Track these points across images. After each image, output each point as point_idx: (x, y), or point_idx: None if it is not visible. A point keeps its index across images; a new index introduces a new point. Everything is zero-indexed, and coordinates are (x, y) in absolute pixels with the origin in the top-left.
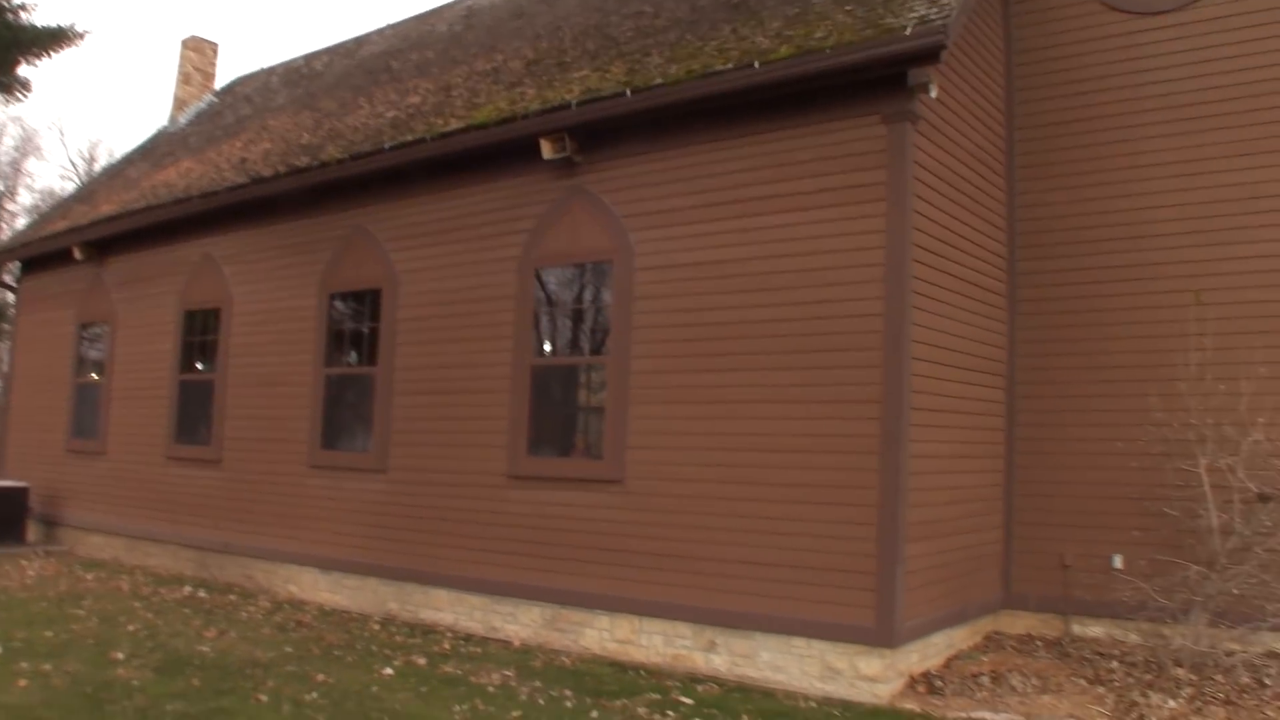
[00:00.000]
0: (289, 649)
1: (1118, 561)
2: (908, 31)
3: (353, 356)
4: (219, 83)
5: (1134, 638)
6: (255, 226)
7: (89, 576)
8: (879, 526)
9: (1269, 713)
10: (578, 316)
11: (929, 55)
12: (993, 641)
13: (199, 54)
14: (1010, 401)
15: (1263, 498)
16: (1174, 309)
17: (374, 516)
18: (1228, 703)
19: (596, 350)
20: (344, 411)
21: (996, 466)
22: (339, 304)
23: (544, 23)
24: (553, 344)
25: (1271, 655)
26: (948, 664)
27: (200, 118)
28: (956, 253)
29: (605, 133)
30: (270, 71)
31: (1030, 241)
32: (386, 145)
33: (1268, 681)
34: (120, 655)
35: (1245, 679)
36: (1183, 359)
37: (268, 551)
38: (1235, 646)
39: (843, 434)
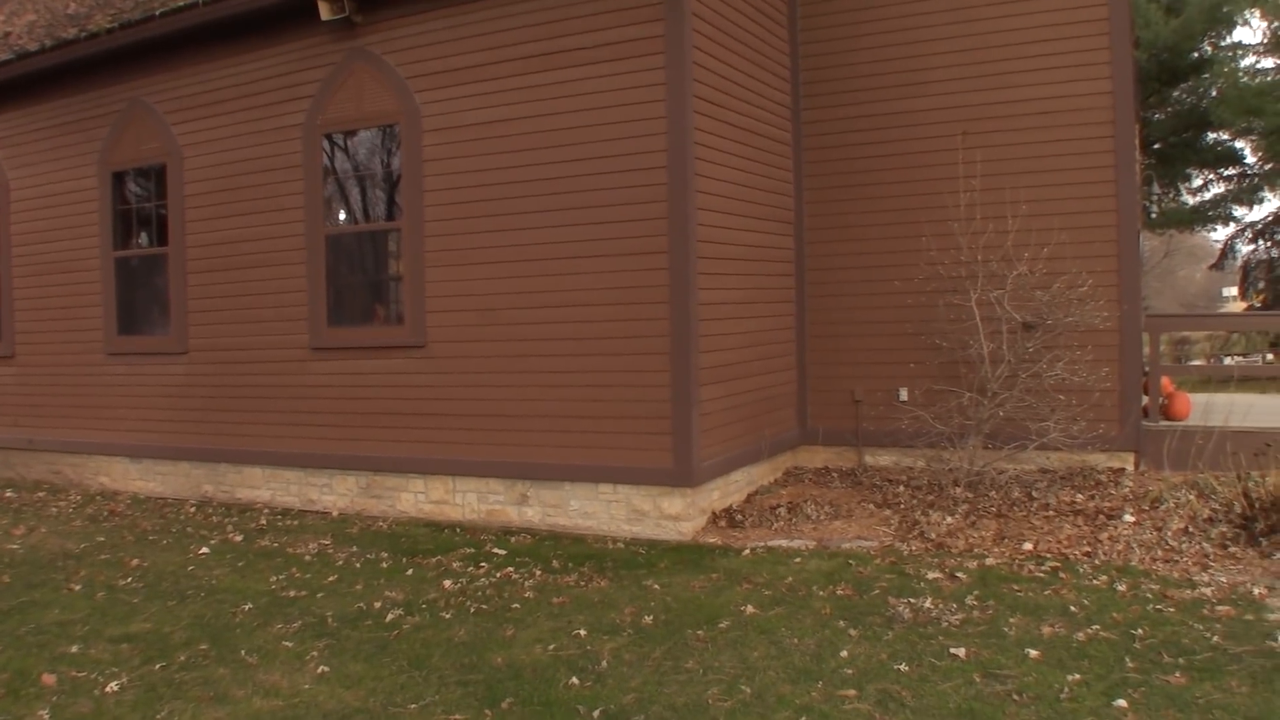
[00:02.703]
0: (101, 538)
1: (903, 394)
2: None
3: (143, 237)
4: None
5: (920, 464)
6: (26, 105)
7: None
8: (672, 373)
9: (1035, 522)
10: (369, 182)
11: None
12: (792, 476)
13: None
14: (799, 247)
15: (1027, 326)
16: (947, 152)
17: (180, 399)
18: (999, 515)
19: (390, 216)
20: (139, 294)
21: (788, 310)
22: (123, 183)
23: None
24: (346, 212)
25: (1043, 471)
26: (749, 499)
27: None
28: (739, 103)
29: None
30: None
31: (813, 90)
32: (158, 12)
33: (1035, 495)
34: None
35: (1016, 493)
36: (953, 200)
37: (74, 445)
38: (1007, 465)
39: (633, 285)
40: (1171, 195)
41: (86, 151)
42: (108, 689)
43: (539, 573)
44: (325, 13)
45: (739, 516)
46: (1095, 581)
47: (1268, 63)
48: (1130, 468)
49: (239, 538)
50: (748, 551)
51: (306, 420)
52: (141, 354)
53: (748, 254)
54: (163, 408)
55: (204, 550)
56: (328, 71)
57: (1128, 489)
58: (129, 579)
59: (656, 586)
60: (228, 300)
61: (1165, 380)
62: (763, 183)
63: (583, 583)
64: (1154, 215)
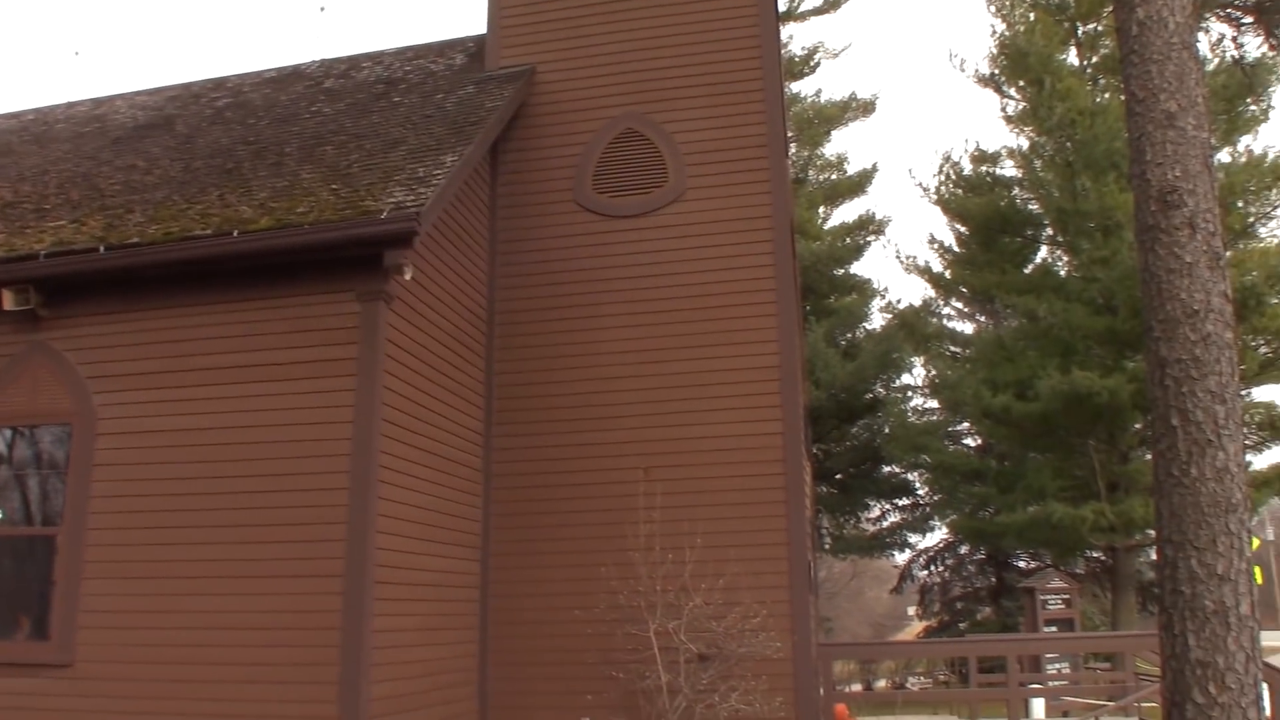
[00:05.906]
0: None
1: None
2: (383, 215)
3: None
4: None
5: None
6: None
7: None
8: (339, 704)
9: None
10: (30, 483)
11: (403, 240)
12: None
13: None
14: (484, 573)
15: (702, 658)
16: (630, 484)
17: None
18: None
19: (48, 521)
20: None
21: (471, 638)
22: None
23: (31, 164)
24: (3, 511)
25: None
26: None
27: None
28: (429, 428)
29: (75, 287)
30: None
31: (505, 419)
32: None
33: None
34: None
35: None
36: (634, 531)
37: None
38: None
39: (305, 609)
40: (853, 523)
41: None
42: None
43: None
44: (9, 302)
45: None
46: None
47: (931, 404)
48: None
49: None
50: None
51: None
52: None
53: (429, 579)
54: None
55: None
56: (3, 362)
57: None
58: None
59: None
60: None
61: (840, 708)
62: (449, 506)
63: None
64: (827, 545)
